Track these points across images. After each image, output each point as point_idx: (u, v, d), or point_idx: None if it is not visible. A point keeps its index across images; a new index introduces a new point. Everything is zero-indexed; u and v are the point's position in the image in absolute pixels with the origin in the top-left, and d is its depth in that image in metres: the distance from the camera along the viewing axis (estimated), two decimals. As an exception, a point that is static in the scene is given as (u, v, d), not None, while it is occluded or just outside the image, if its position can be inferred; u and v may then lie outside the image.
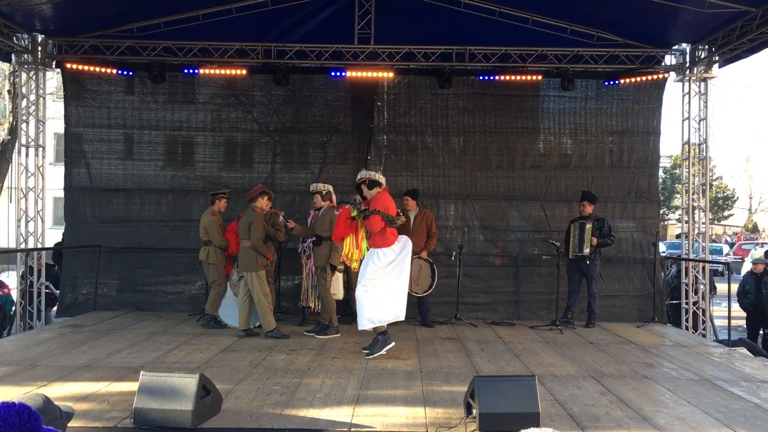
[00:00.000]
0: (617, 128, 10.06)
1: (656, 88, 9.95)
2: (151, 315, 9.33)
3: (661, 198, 16.77)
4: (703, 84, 9.69)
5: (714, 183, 43.58)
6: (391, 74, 9.73)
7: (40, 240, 9.65)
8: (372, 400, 5.21)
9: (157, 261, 9.90)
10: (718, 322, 10.36)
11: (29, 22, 9.24)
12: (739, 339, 9.41)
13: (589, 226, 8.86)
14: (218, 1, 9.21)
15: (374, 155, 10.04)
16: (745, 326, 10.66)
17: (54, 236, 11.64)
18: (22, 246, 9.47)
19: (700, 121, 9.74)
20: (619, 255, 9.84)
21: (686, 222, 9.96)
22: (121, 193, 10.01)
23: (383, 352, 6.77)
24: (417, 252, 8.34)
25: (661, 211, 31.44)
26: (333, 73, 9.70)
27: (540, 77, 9.91)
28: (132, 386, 4.82)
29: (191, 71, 9.70)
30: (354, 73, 9.57)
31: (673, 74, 9.91)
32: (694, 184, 9.93)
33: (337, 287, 8.34)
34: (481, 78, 9.91)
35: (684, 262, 9.93)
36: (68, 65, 9.74)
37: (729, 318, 8.93)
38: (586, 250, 8.83)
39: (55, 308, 10.19)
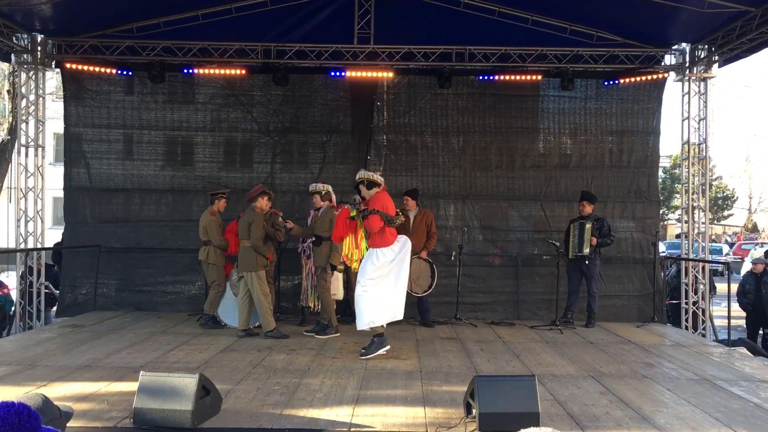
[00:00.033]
0: (617, 128, 10.06)
1: (656, 88, 9.96)
2: (150, 315, 9.32)
3: (661, 198, 16.76)
4: (702, 84, 9.69)
5: (714, 183, 43.57)
6: (390, 74, 9.73)
7: (39, 240, 9.65)
8: (372, 400, 5.21)
9: (156, 261, 9.90)
10: (717, 322, 10.36)
11: (29, 21, 9.24)
12: (739, 339, 9.41)
13: (588, 226, 8.86)
14: (218, 1, 9.20)
15: (374, 155, 10.04)
16: (744, 326, 10.67)
17: (53, 236, 11.64)
18: (22, 246, 9.46)
19: (699, 120, 9.74)
20: (619, 255, 9.84)
21: (686, 222, 9.96)
22: (121, 193, 10.01)
23: (380, 353, 6.76)
24: (417, 252, 8.35)
25: (661, 211, 31.50)
26: (332, 73, 9.69)
27: (540, 77, 9.91)
28: (132, 386, 4.82)
29: (191, 71, 9.70)
30: (354, 73, 9.57)
31: (672, 74, 9.91)
32: (693, 183, 9.93)
33: (337, 287, 8.34)
34: (480, 78, 9.91)
35: (684, 261, 9.94)
36: (68, 65, 9.74)
37: (729, 318, 8.94)
38: (586, 250, 8.84)
39: (54, 308, 10.19)
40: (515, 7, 9.23)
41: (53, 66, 9.97)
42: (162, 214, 10.01)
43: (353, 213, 6.86)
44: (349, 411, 4.91)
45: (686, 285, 9.73)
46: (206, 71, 9.64)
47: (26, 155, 9.64)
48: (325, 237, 7.94)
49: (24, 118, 9.66)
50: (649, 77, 9.81)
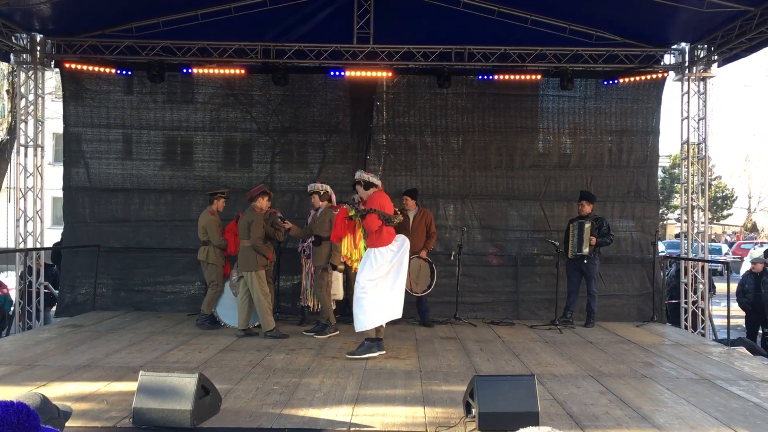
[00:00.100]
0: (616, 128, 10.06)
1: (655, 88, 9.95)
2: (150, 315, 9.32)
3: (660, 197, 16.79)
4: (702, 83, 9.69)
5: (713, 182, 43.62)
6: (390, 74, 9.72)
7: (38, 240, 9.65)
8: (371, 400, 5.21)
9: (156, 261, 9.89)
10: (717, 322, 10.36)
11: (28, 21, 9.23)
12: (738, 338, 9.42)
13: (588, 225, 8.87)
14: (217, 1, 9.19)
15: (373, 155, 10.03)
16: (744, 325, 10.68)
17: (53, 236, 11.64)
18: (21, 246, 9.46)
19: (699, 120, 9.74)
20: (619, 254, 9.84)
21: (685, 221, 9.96)
22: (120, 192, 10.00)
23: (369, 356, 6.73)
24: (416, 251, 8.35)
25: (660, 211, 31.43)
26: (332, 73, 9.69)
27: (539, 77, 9.91)
28: (131, 386, 4.82)
29: (190, 71, 9.69)
30: (353, 73, 9.56)
31: (672, 74, 9.90)
32: (693, 183, 9.93)
33: (336, 287, 8.34)
34: (480, 77, 9.91)
35: (683, 261, 9.93)
36: (67, 65, 9.73)
37: (728, 317, 8.95)
38: (585, 250, 8.84)
39: (54, 308, 10.18)
40: (515, 6, 9.23)
41: (52, 66, 9.96)
42: (161, 214, 10.00)
43: (352, 212, 6.87)
44: (348, 411, 4.91)
45: (686, 284, 9.73)
46: (205, 71, 9.64)
47: (25, 155, 9.63)
48: (325, 237, 7.94)
49: (23, 118, 9.66)
50: (649, 77, 9.81)
